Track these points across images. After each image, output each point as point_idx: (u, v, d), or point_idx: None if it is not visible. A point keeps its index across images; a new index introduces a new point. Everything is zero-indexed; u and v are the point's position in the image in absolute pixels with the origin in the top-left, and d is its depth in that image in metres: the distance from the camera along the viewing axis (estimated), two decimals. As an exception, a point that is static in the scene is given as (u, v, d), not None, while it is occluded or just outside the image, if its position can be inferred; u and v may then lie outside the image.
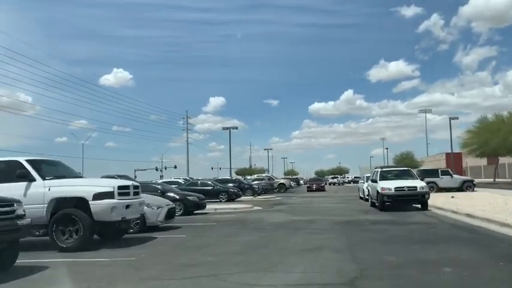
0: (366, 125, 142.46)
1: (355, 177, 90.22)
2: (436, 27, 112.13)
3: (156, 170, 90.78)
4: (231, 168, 41.91)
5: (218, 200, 26.96)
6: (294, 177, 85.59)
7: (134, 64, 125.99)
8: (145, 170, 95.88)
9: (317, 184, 43.15)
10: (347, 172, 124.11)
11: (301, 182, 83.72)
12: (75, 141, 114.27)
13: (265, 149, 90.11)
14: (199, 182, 28.15)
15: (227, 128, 51.94)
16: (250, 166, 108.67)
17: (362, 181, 25.44)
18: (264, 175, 45.84)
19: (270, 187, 40.89)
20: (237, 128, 40.67)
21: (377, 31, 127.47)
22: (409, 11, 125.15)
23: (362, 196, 24.54)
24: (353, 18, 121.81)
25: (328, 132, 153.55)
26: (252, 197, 30.37)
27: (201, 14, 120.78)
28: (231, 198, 27.23)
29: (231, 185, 31.87)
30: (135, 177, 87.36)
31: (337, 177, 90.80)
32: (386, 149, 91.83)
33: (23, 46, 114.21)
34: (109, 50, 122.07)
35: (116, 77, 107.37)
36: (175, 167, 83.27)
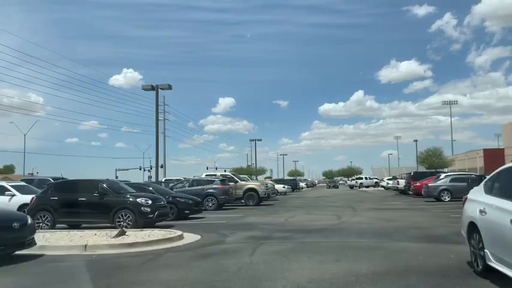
0: (376, 126, 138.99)
1: (368, 177, 68.63)
2: (449, 27, 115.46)
3: (140, 169, 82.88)
4: (157, 166, 22.16)
5: None
6: (291, 178, 64.64)
7: (144, 64, 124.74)
8: (127, 169, 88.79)
9: None
10: (360, 173, 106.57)
11: (303, 185, 63.16)
12: (84, 142, 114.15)
13: (251, 140, 70.80)
14: None
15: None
16: (249, 165, 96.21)
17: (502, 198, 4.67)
18: (219, 174, 25.58)
19: (224, 196, 20.72)
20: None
21: (388, 31, 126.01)
22: (421, 10, 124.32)
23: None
24: (363, 18, 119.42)
25: (338, 133, 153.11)
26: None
27: (211, 15, 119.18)
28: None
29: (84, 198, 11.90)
30: (116, 177, 72.48)
31: (363, 178, 66.30)
32: (416, 141, 70.98)
33: (34, 47, 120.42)
34: (119, 50, 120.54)
35: (125, 77, 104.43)
36: (162, 167, 72.78)
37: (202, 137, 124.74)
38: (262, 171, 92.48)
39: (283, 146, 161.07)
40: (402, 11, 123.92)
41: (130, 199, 12.38)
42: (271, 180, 47.07)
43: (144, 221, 12.10)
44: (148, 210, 12.17)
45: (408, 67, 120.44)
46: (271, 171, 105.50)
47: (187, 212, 15.38)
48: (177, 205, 15.16)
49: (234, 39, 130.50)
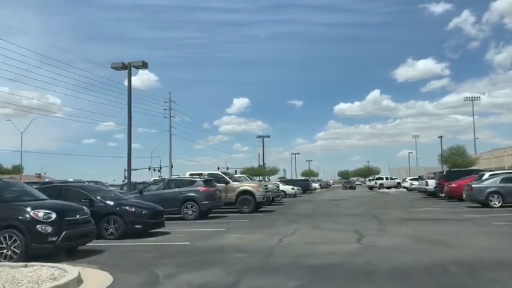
0: (392, 126, 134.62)
1: (389, 178, 62.90)
2: (467, 24, 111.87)
3: (149, 169, 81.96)
4: (129, 164, 17.84)
5: None
6: (303, 178, 59.38)
7: (159, 65, 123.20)
8: (136, 169, 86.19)
9: None
10: (378, 173, 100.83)
11: (316, 186, 58.12)
12: (102, 143, 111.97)
13: (258, 137, 66.44)
14: None
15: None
16: (260, 165, 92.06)
17: None
18: (206, 173, 20.77)
19: (208, 201, 16.01)
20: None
21: (404, 29, 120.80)
22: (439, 8, 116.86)
23: None
24: (379, 16, 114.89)
25: (354, 133, 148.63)
26: None
27: (224, 15, 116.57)
28: None
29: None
30: (125, 177, 69.32)
31: (383, 178, 59.90)
32: (440, 137, 65.10)
33: (51, 49, 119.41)
34: (134, 52, 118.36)
35: (141, 78, 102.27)
36: (172, 166, 71.07)
37: (217, 138, 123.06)
38: (275, 171, 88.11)
39: (298, 146, 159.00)
40: (419, 9, 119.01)
41: (31, 212, 7.67)
42: (281, 181, 42.25)
43: (42, 247, 7.42)
44: (49, 229, 7.44)
45: (425, 66, 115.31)
46: (285, 171, 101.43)
47: (139, 226, 10.66)
48: (123, 217, 10.49)
49: (247, 39, 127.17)
